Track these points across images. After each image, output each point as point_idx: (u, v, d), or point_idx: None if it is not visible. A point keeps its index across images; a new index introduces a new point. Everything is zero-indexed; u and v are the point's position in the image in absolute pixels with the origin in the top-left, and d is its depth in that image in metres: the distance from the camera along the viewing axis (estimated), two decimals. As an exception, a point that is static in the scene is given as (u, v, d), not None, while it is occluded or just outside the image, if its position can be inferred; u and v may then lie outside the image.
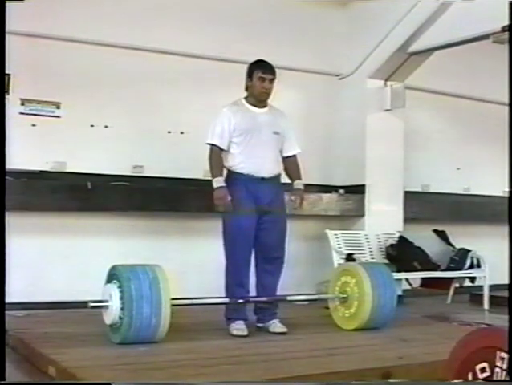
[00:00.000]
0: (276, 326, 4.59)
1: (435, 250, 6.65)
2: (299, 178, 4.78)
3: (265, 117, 4.66)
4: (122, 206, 5.69)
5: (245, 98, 4.69)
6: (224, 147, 4.57)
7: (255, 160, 4.56)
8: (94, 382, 3.22)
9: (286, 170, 4.80)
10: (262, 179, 4.57)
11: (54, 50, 5.56)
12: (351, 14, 6.81)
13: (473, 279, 6.59)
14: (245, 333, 4.45)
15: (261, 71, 4.61)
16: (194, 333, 4.48)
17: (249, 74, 4.65)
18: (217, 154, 4.57)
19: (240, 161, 4.57)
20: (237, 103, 4.68)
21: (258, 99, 4.65)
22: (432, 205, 7.27)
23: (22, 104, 5.54)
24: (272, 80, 4.63)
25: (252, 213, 4.54)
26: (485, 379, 2.27)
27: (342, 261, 6.02)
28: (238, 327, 4.49)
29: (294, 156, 4.81)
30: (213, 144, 4.58)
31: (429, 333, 4.77)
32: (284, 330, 4.56)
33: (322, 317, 5.03)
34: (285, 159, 4.78)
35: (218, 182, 4.51)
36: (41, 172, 5.56)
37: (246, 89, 4.69)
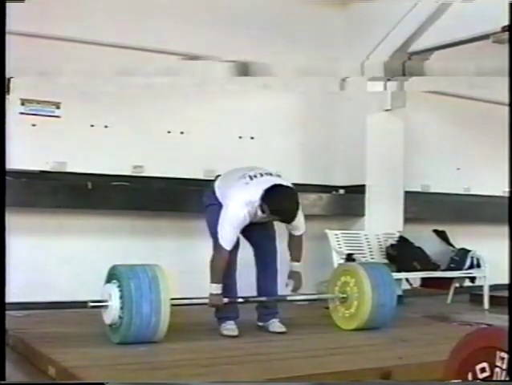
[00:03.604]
0: (276, 325, 4.60)
1: (435, 250, 6.65)
2: (298, 260, 4.56)
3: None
4: (122, 206, 5.70)
5: (260, 206, 4.26)
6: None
7: None
8: (87, 382, 3.21)
9: (289, 245, 4.59)
10: None
11: (54, 50, 5.56)
12: (351, 15, 6.80)
13: (473, 279, 6.60)
14: (236, 333, 4.42)
15: (279, 219, 4.34)
16: (194, 333, 4.48)
17: (267, 204, 4.20)
18: (224, 259, 4.31)
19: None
20: (253, 206, 4.27)
21: None
22: (432, 205, 7.27)
23: (22, 104, 5.55)
24: None
25: None
26: (485, 379, 2.27)
27: (342, 261, 6.02)
28: (229, 327, 4.47)
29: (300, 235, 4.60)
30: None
31: (429, 333, 4.77)
32: (283, 329, 4.56)
33: (322, 317, 5.03)
34: (290, 234, 4.58)
35: (217, 289, 4.32)
36: (41, 172, 5.57)
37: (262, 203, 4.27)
